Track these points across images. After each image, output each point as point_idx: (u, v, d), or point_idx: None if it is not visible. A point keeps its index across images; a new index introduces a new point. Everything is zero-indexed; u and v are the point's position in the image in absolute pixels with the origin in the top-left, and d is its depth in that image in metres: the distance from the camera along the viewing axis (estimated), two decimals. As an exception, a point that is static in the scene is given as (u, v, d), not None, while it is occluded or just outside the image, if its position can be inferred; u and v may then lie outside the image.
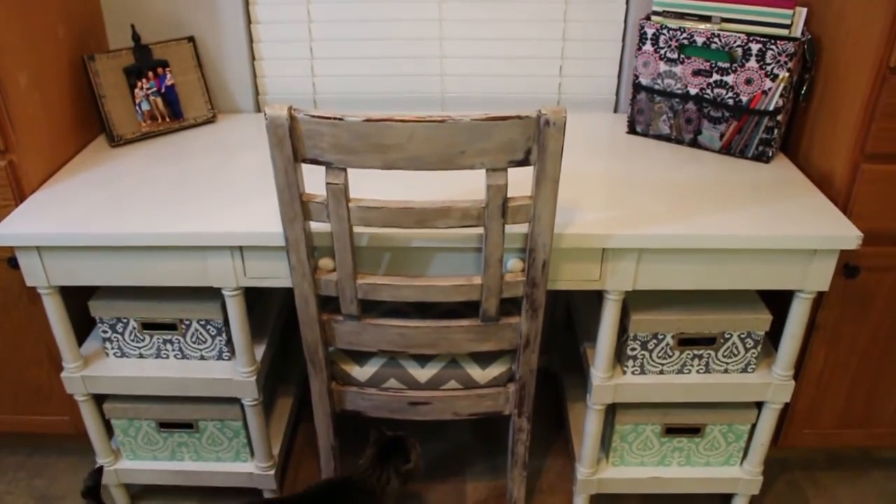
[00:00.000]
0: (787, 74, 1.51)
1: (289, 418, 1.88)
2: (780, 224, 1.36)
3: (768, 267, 1.39)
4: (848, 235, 1.34)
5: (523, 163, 1.18)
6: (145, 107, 1.73)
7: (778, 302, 1.55)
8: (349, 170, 1.21)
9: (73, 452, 2.00)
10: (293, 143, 1.16)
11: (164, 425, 1.68)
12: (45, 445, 2.02)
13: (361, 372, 1.48)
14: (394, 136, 1.14)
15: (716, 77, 1.57)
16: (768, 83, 1.53)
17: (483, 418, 1.53)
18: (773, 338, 1.57)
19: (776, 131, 1.56)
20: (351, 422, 1.56)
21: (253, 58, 1.87)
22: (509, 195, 1.22)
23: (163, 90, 1.75)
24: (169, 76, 1.76)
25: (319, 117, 1.14)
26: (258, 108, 1.91)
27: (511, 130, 1.14)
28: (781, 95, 1.52)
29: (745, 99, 1.56)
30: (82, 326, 1.63)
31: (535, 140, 1.16)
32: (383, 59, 1.85)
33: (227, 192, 1.48)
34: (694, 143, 1.67)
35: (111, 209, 1.43)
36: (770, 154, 1.59)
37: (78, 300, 1.59)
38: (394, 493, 1.50)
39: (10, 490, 1.90)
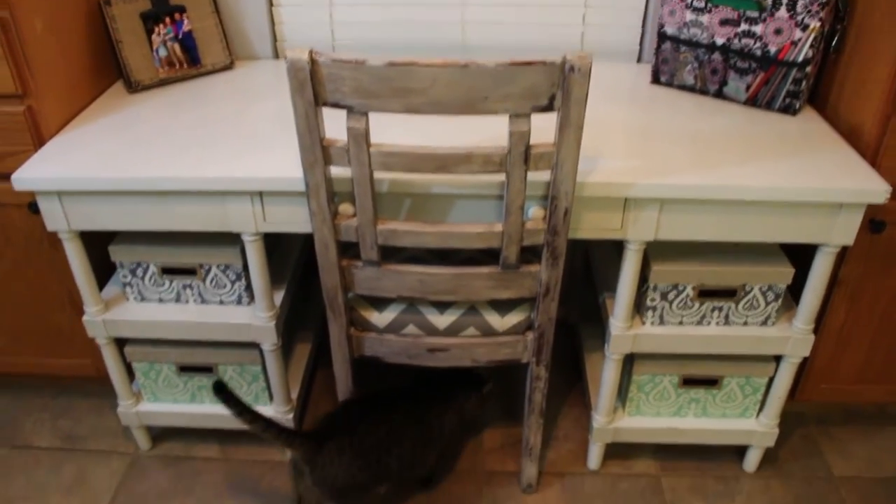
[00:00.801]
0: (818, 24, 1.47)
1: (307, 364, 1.90)
2: (807, 176, 1.34)
3: (792, 220, 1.38)
4: (876, 189, 1.32)
5: (547, 109, 1.16)
6: (162, 53, 1.72)
7: (800, 255, 1.53)
8: (370, 115, 1.19)
9: (96, 395, 2.03)
10: (314, 87, 1.15)
11: (184, 369, 1.70)
12: (69, 388, 2.05)
13: (380, 318, 1.48)
14: (416, 80, 1.12)
15: (744, 27, 1.54)
16: (798, 33, 1.49)
17: (501, 366, 1.53)
18: (795, 291, 1.56)
19: (804, 83, 1.53)
20: (369, 368, 1.57)
21: (271, 4, 1.84)
22: (532, 142, 1.20)
23: (180, 36, 1.73)
24: (186, 22, 1.74)
25: (341, 61, 1.12)
26: (276, 55, 1.89)
27: (535, 76, 1.12)
28: (811, 46, 1.49)
29: (773, 49, 1.52)
30: (103, 271, 1.64)
31: (559, 86, 1.14)
32: (403, 6, 1.82)
33: (247, 137, 1.48)
34: (719, 95, 1.64)
35: (130, 154, 1.43)
36: (797, 106, 1.56)
37: (98, 245, 1.60)
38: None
39: (37, 430, 1.93)
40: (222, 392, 1.38)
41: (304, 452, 1.42)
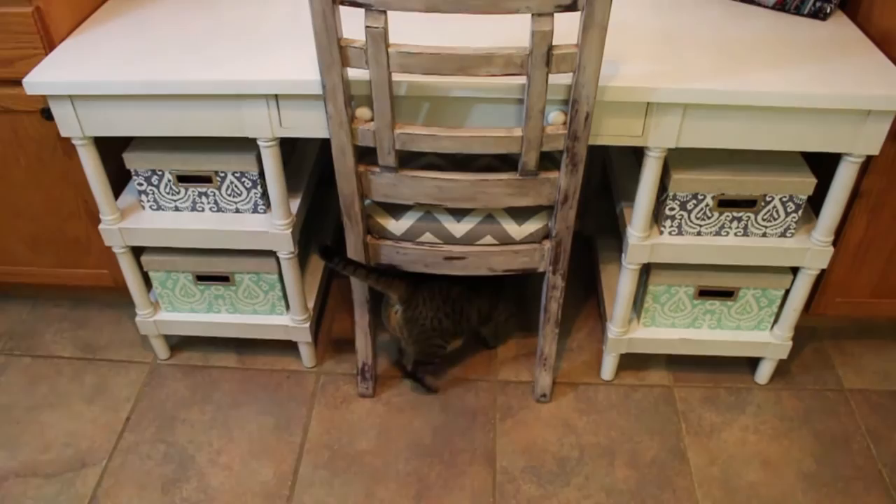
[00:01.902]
0: (853, -79, 1.41)
1: (323, 273, 1.90)
2: (834, 82, 1.31)
3: (818, 128, 1.35)
4: (906, 95, 1.28)
5: (571, 8, 1.12)
6: (173, -47, 1.67)
7: (822, 166, 1.51)
8: (389, 14, 1.16)
9: (114, 305, 2.05)
10: (331, -17, 1.12)
11: (201, 278, 1.71)
12: (87, 298, 2.07)
13: (397, 226, 1.48)
14: (436, -25, 1.09)
15: (775, -76, 1.48)
16: (832, -69, 1.43)
17: (516, 275, 1.53)
18: (815, 203, 1.54)
19: (836, -15, 1.48)
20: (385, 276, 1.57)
21: None
22: (554, 43, 1.17)
23: (190, -65, 1.68)
24: (196, -80, 1.68)
25: (359, -46, 1.08)
26: (289, -42, 1.84)
27: (560, -29, 1.08)
28: (845, -55, 1.43)
29: (805, -51, 1.47)
30: (118, 179, 1.63)
31: (584, -18, 1.10)
32: None
33: (263, 40, 1.44)
34: (746, -2, 1.59)
35: (143, 57, 1.40)
36: (828, 10, 1.51)
37: (113, 153, 1.58)
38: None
39: (56, 340, 1.96)
40: (330, 253, 1.50)
41: (402, 292, 1.59)
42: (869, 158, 1.48)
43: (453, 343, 1.74)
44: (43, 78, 1.36)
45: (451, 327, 1.67)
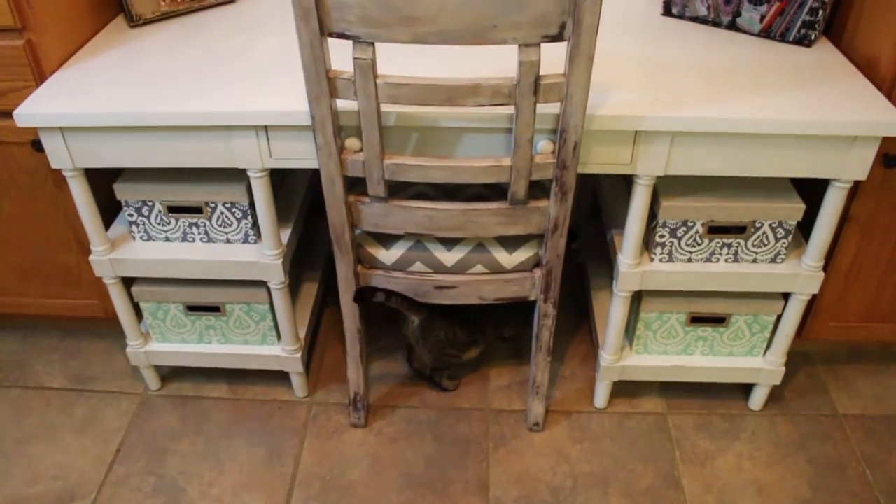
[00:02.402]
0: (835, -49, 1.43)
1: (315, 302, 1.90)
2: (820, 109, 1.32)
3: (805, 154, 1.36)
4: (891, 121, 1.29)
5: (557, 38, 1.13)
6: (164, -15, 1.68)
7: (811, 191, 1.51)
8: (377, 46, 1.17)
9: (105, 336, 2.04)
10: (319, 16, 1.12)
11: (192, 308, 1.70)
12: (78, 329, 2.06)
13: (388, 255, 1.48)
14: (424, 7, 1.09)
15: (759, -46, 1.50)
16: (815, -40, 1.45)
17: (508, 303, 1.53)
18: (805, 228, 1.55)
19: (821, 13, 1.49)
20: (376, 306, 1.57)
21: (273, -65, 1.80)
22: (542, 73, 1.18)
23: (181, -32, 1.69)
24: (187, -47, 1.70)
25: (346, -13, 1.09)
26: (280, -11, 1.85)
27: (545, 3, 1.09)
28: (828, -26, 1.45)
29: (789, -22, 1.48)
30: (109, 210, 1.63)
31: (570, 14, 1.11)
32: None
33: (252, 71, 1.45)
34: (732, 26, 1.60)
35: (134, 89, 1.40)
36: (812, 37, 1.53)
37: (104, 183, 1.58)
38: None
39: (47, 371, 1.95)
40: (365, 296, 1.56)
41: (421, 313, 1.63)
42: (857, 183, 1.49)
43: (468, 353, 1.76)
44: (33, 110, 1.36)
45: (465, 339, 1.70)
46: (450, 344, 1.70)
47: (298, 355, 1.75)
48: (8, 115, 1.49)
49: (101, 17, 1.67)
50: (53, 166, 1.45)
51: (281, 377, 1.88)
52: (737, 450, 1.72)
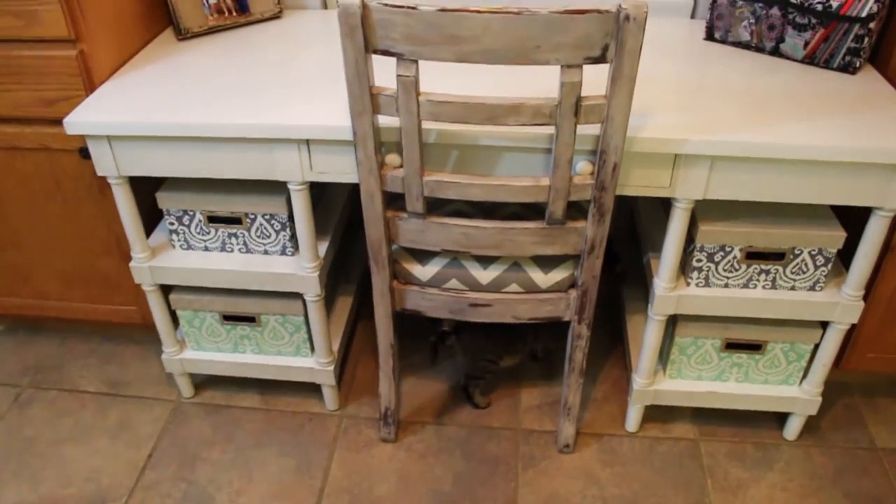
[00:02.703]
0: (883, -22, 1.42)
1: (349, 316, 1.91)
2: (864, 136, 1.30)
3: (847, 181, 1.34)
4: (936, 150, 1.27)
5: (600, 60, 1.14)
6: (212, 0, 1.72)
7: (852, 219, 1.49)
8: (420, 63, 1.18)
9: (141, 342, 2.07)
10: (364, 33, 1.14)
11: (228, 318, 1.72)
12: (115, 334, 2.09)
13: (423, 271, 1.48)
14: (468, 27, 1.10)
15: (805, -20, 1.49)
16: (862, -13, 1.44)
17: (542, 323, 1.53)
18: (845, 256, 1.52)
19: (866, 40, 1.48)
20: (410, 321, 1.58)
21: (320, -47, 1.83)
22: (583, 94, 1.18)
23: (230, -16, 1.73)
24: (236, -31, 1.73)
25: (392, 6, 1.11)
26: (325, 5, 1.88)
27: (589, 25, 1.10)
28: (876, 1, 1.44)
29: (835, 4, 1.47)
30: (150, 218, 1.66)
31: (613, 36, 1.11)
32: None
33: (295, 86, 1.47)
34: (775, 52, 1.60)
35: (179, 100, 1.43)
36: (857, 65, 1.51)
37: (146, 192, 1.61)
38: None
39: (83, 374, 1.98)
40: (443, 340, 1.69)
41: (465, 332, 1.71)
42: (900, 213, 1.47)
43: (506, 361, 1.78)
44: (82, 118, 1.39)
45: (504, 345, 1.73)
46: (489, 350, 1.71)
47: (331, 368, 1.76)
48: (58, 122, 1.53)
49: (151, 29, 1.72)
50: (99, 173, 1.48)
51: (313, 389, 1.89)
52: (770, 480, 1.69)
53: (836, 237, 1.46)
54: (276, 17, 1.80)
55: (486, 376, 1.79)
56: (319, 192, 1.80)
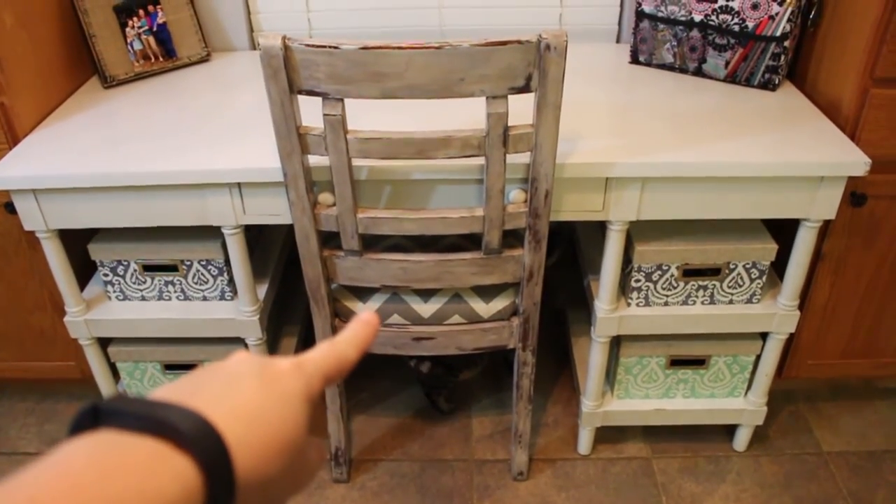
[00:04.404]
0: (794, -3, 1.47)
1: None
2: (787, 151, 1.34)
3: (774, 195, 1.37)
4: (855, 161, 1.32)
5: (524, 89, 1.15)
6: (137, 46, 1.70)
7: (783, 232, 1.53)
8: (347, 102, 1.18)
9: (82, 397, 2.01)
10: (288, 74, 1.14)
11: (170, 367, 1.68)
12: (54, 391, 2.03)
13: (364, 308, 1.47)
14: (391, 63, 1.11)
15: (721, 2, 1.53)
16: (775, 7, 1.49)
17: (488, 352, 1.53)
18: (779, 268, 1.56)
19: (783, 58, 1.53)
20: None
21: (246, -6, 1.83)
22: (510, 124, 1.19)
23: (155, 28, 1.71)
24: (160, 14, 1.72)
25: (314, 46, 1.11)
26: (253, 46, 1.88)
27: (511, 56, 1.11)
28: (789, 20, 1.49)
29: (751, 25, 1.52)
30: (84, 270, 1.62)
31: (535, 65, 1.13)
32: (379, -7, 1.81)
33: (224, 129, 1.46)
34: (698, 72, 1.64)
35: (106, 149, 1.41)
36: (776, 82, 1.56)
37: (78, 244, 1.57)
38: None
39: (22, 436, 1.91)
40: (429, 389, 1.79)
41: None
42: (827, 222, 1.51)
43: (465, 374, 1.81)
44: (6, 173, 1.36)
45: (463, 358, 1.75)
46: (445, 365, 1.74)
47: (278, 411, 1.72)
48: (-20, 178, 1.49)
49: (76, 78, 1.69)
50: (26, 228, 1.44)
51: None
52: (723, 492, 1.71)
53: (768, 250, 1.49)
54: (203, 60, 1.79)
55: (449, 386, 1.83)
56: (257, 233, 1.78)
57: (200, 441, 0.35)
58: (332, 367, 0.46)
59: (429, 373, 1.77)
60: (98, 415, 0.35)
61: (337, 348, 0.47)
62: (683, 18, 1.58)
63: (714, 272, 1.51)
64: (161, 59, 1.73)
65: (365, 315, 0.50)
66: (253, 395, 0.40)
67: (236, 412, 0.38)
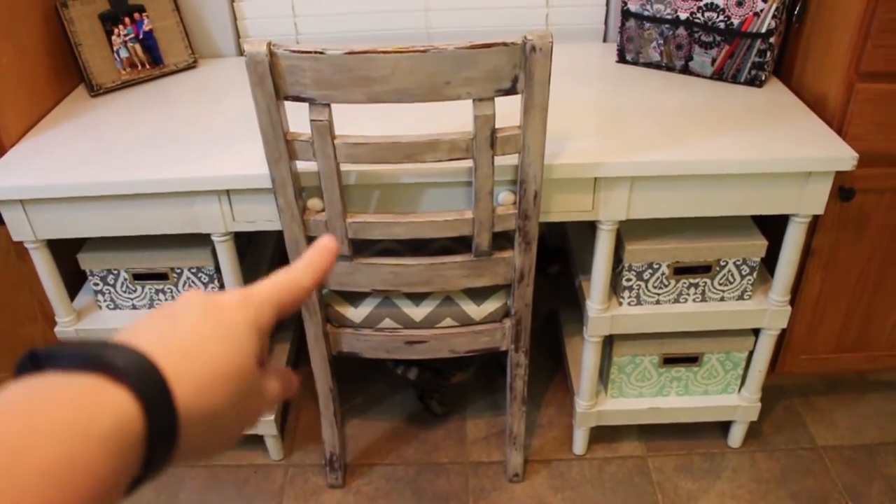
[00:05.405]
0: (778, -6, 1.47)
1: (287, 363, 1.88)
2: (775, 147, 1.34)
3: (763, 191, 1.38)
4: (843, 156, 1.32)
5: (510, 91, 1.15)
6: (124, 54, 1.69)
7: (773, 227, 1.53)
8: (334, 107, 1.18)
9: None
10: (274, 80, 1.14)
11: (162, 375, 1.68)
12: (46, 402, 2.02)
13: (356, 313, 1.47)
14: (377, 67, 1.11)
15: (706, 0, 1.53)
16: (760, 4, 1.49)
17: (481, 354, 1.53)
18: (769, 264, 1.56)
19: (769, 54, 1.53)
20: (348, 364, 1.56)
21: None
22: (498, 126, 1.19)
23: (141, 36, 1.71)
24: (146, 21, 1.71)
25: (300, 52, 1.11)
26: (240, 52, 1.87)
27: (496, 58, 1.11)
28: (774, 17, 1.49)
29: (736, 22, 1.52)
30: (74, 279, 1.61)
31: (521, 67, 1.13)
32: (365, -4, 1.81)
33: (212, 136, 1.46)
34: (685, 70, 1.64)
35: (94, 158, 1.40)
36: (763, 78, 1.56)
37: (67, 253, 1.57)
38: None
39: (13, 446, 1.90)
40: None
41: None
42: (816, 217, 1.51)
43: (457, 377, 1.80)
44: (-8, 184, 1.35)
45: (454, 361, 1.72)
46: (436, 369, 1.72)
47: (272, 417, 1.72)
48: (-33, 190, 1.48)
49: (63, 87, 1.68)
50: (15, 238, 1.43)
51: (256, 441, 1.84)
52: (719, 489, 1.71)
53: (758, 246, 1.49)
54: (190, 67, 1.78)
55: (441, 390, 1.83)
56: (248, 239, 1.78)
57: (135, 373, 0.35)
58: (285, 295, 0.46)
59: (416, 379, 1.76)
60: (38, 361, 0.36)
61: (290, 276, 0.47)
62: (669, 17, 1.58)
63: (705, 269, 1.51)
64: (148, 66, 1.72)
65: (323, 240, 0.49)
66: (193, 328, 0.40)
67: (175, 345, 0.39)
